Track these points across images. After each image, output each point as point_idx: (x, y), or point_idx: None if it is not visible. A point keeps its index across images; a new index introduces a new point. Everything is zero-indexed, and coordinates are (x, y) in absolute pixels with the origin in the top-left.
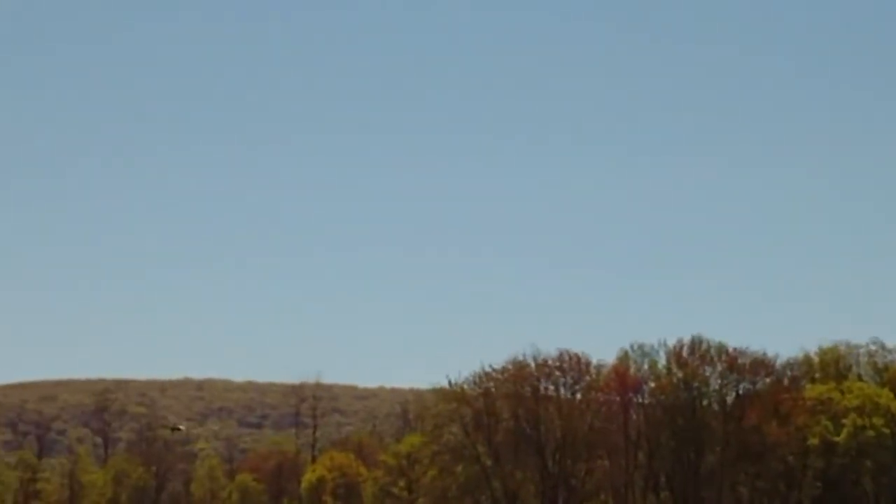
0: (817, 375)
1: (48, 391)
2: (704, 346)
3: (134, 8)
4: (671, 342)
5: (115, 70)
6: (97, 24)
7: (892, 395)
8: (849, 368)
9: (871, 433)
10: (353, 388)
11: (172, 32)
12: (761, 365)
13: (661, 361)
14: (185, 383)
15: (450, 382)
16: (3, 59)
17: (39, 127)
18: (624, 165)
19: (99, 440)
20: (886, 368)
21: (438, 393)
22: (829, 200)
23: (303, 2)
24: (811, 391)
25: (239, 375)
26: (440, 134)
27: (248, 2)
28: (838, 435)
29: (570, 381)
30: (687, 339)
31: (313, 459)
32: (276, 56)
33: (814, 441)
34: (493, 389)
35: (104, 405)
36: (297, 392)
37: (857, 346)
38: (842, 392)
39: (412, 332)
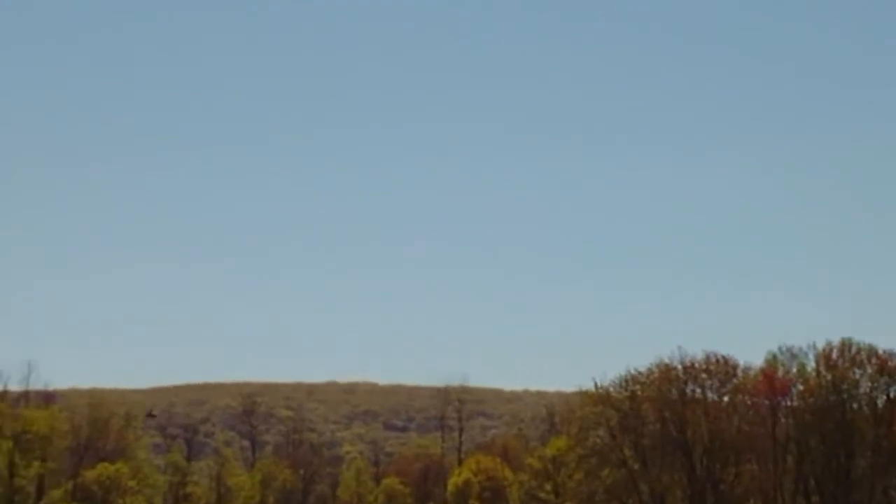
0: None
1: (196, 394)
2: (854, 348)
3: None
4: (820, 345)
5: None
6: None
7: None
8: None
9: None
10: (499, 391)
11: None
12: None
13: (810, 364)
14: (331, 386)
15: (595, 385)
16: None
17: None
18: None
19: (246, 443)
20: None
21: (584, 396)
22: None
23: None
24: None
25: (385, 378)
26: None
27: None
28: None
29: (716, 383)
30: (836, 342)
31: (459, 462)
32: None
33: None
34: (639, 392)
35: (251, 408)
36: (443, 395)
37: None
38: None
39: (558, 334)
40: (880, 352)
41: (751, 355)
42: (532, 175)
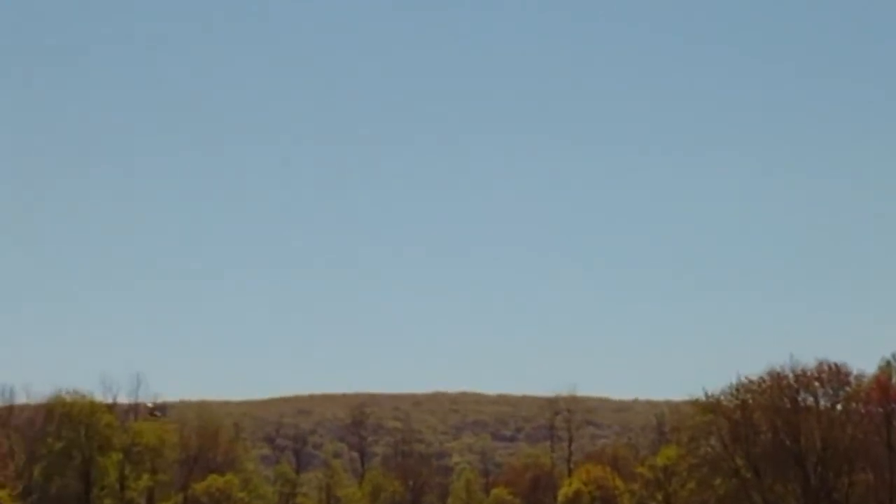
0: None
1: (305, 405)
2: None
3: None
4: None
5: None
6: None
7: None
8: None
9: None
10: (608, 401)
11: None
12: None
13: None
14: (438, 397)
15: (706, 394)
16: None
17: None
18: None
19: (355, 454)
20: None
21: (695, 405)
22: None
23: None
24: None
25: (492, 388)
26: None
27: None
28: None
29: (829, 391)
30: None
31: (569, 472)
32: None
33: None
34: (750, 401)
35: (360, 419)
36: (552, 405)
37: None
38: None
39: (667, 342)
40: None
41: (864, 362)
42: (623, 183)
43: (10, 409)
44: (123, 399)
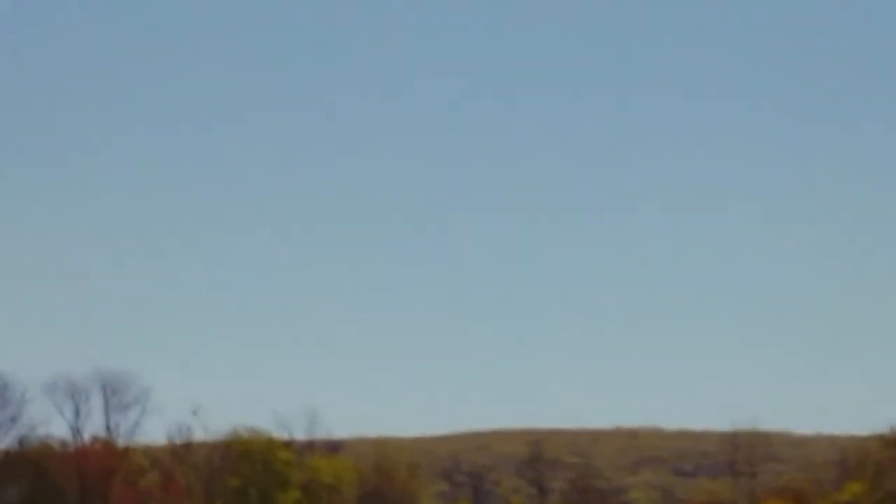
0: None
1: (482, 441)
2: None
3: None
4: None
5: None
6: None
7: None
8: None
9: None
10: (789, 435)
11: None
12: None
13: None
14: (616, 432)
15: (892, 428)
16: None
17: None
18: None
19: (533, 490)
20: None
21: (880, 440)
22: None
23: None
24: None
25: (671, 423)
26: None
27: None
28: None
29: None
30: None
31: None
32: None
33: None
34: None
35: (538, 455)
36: (732, 440)
37: None
38: None
39: (851, 375)
40: None
41: None
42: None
43: (189, 446)
44: (300, 436)
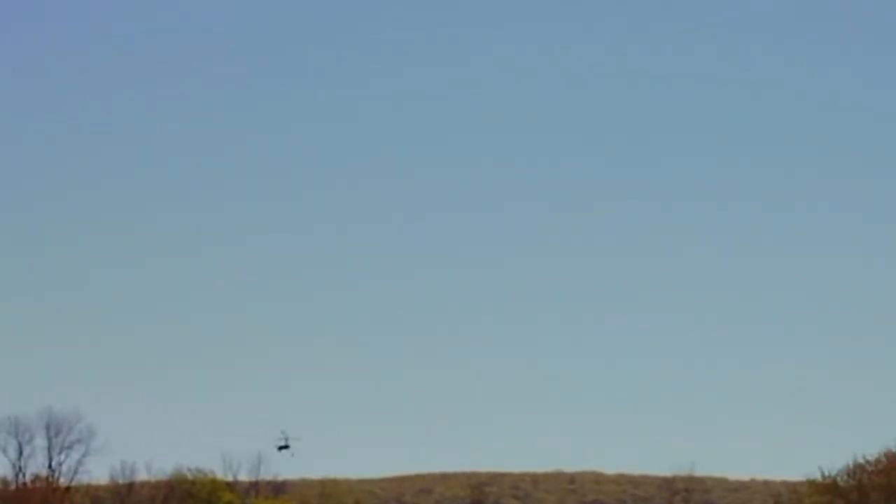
0: None
1: (425, 483)
2: None
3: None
4: None
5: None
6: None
7: None
8: None
9: None
10: (725, 481)
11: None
12: None
13: None
14: (557, 476)
15: (823, 474)
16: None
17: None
18: None
19: None
20: None
21: (811, 485)
22: None
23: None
24: None
25: (611, 467)
26: None
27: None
28: None
29: None
30: None
31: None
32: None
33: None
34: (866, 481)
35: (479, 498)
36: (670, 484)
37: None
38: None
39: (785, 421)
40: None
41: None
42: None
43: (131, 486)
44: (244, 477)
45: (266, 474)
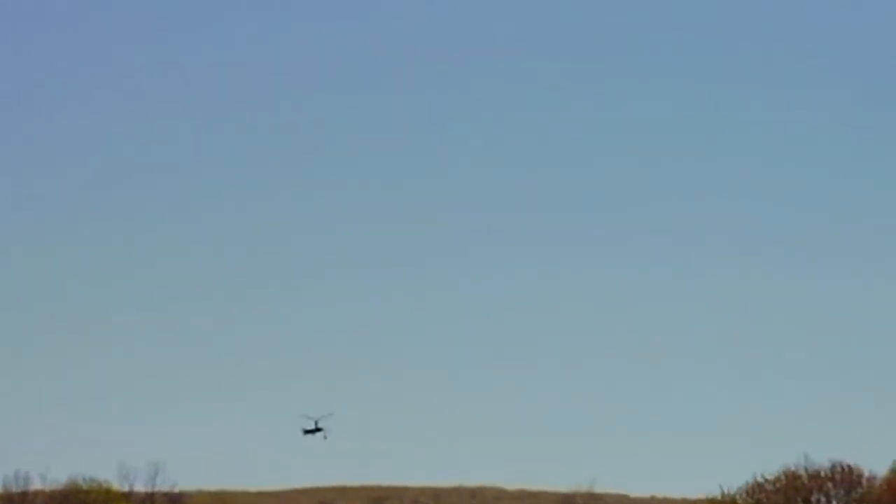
0: None
1: (324, 496)
2: None
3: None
4: None
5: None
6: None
7: None
8: None
9: None
10: (625, 497)
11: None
12: None
13: None
14: (458, 491)
15: (722, 492)
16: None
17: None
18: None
19: None
20: None
21: (710, 502)
22: None
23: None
24: None
25: (512, 482)
26: None
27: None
28: None
29: (842, 492)
30: None
31: None
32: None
33: None
34: (764, 500)
35: None
36: (569, 501)
37: None
38: None
39: (686, 438)
40: None
41: (876, 464)
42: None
43: (25, 494)
44: (140, 487)
45: (163, 485)
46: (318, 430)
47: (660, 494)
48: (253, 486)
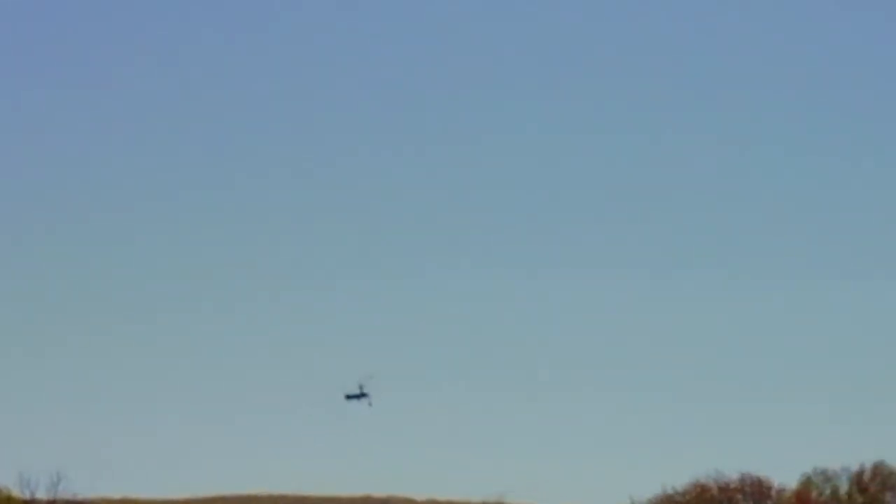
0: None
1: None
2: (887, 472)
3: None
4: (854, 467)
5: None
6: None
7: None
8: None
9: None
10: None
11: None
12: None
13: (843, 487)
14: (367, 500)
15: (632, 502)
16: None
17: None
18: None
19: None
20: None
21: None
22: None
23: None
24: None
25: (422, 492)
26: None
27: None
28: None
29: None
30: (869, 465)
31: None
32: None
33: None
34: None
35: None
36: None
37: None
38: None
39: (597, 450)
40: None
41: (785, 477)
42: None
43: None
44: (42, 495)
45: (65, 493)
46: (363, 395)
47: None
48: (156, 494)
